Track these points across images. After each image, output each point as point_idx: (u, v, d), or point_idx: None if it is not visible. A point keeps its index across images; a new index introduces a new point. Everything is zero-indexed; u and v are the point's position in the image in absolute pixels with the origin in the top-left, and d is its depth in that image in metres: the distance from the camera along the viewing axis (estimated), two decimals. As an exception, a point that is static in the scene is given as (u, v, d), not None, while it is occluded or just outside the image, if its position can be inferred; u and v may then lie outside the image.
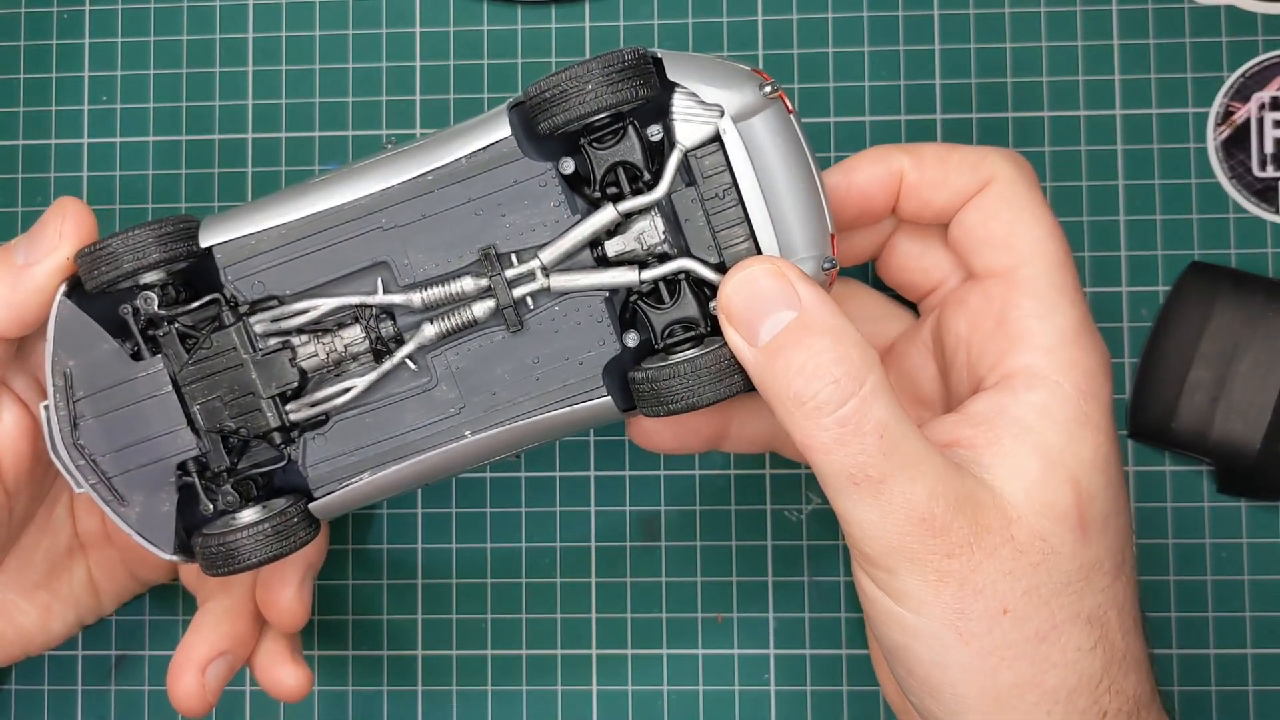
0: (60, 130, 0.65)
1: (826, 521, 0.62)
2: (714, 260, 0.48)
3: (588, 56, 0.62)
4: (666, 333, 0.49)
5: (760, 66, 0.62)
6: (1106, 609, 0.47)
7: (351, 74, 0.64)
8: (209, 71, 0.64)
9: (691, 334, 0.49)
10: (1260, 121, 0.62)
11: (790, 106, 0.48)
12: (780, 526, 0.62)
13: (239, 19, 0.64)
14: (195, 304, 0.49)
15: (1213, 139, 0.62)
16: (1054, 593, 0.46)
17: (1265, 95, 0.62)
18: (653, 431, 0.55)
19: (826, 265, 0.48)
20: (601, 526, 0.63)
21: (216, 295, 0.49)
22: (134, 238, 0.48)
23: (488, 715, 0.63)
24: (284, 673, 0.56)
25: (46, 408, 0.50)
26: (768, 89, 0.47)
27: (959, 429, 0.48)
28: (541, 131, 0.47)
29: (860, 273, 0.61)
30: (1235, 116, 0.62)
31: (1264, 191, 0.61)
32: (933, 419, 0.50)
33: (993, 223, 0.51)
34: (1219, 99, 0.62)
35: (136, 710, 0.64)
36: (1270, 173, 0.61)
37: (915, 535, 0.45)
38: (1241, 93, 0.62)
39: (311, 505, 0.50)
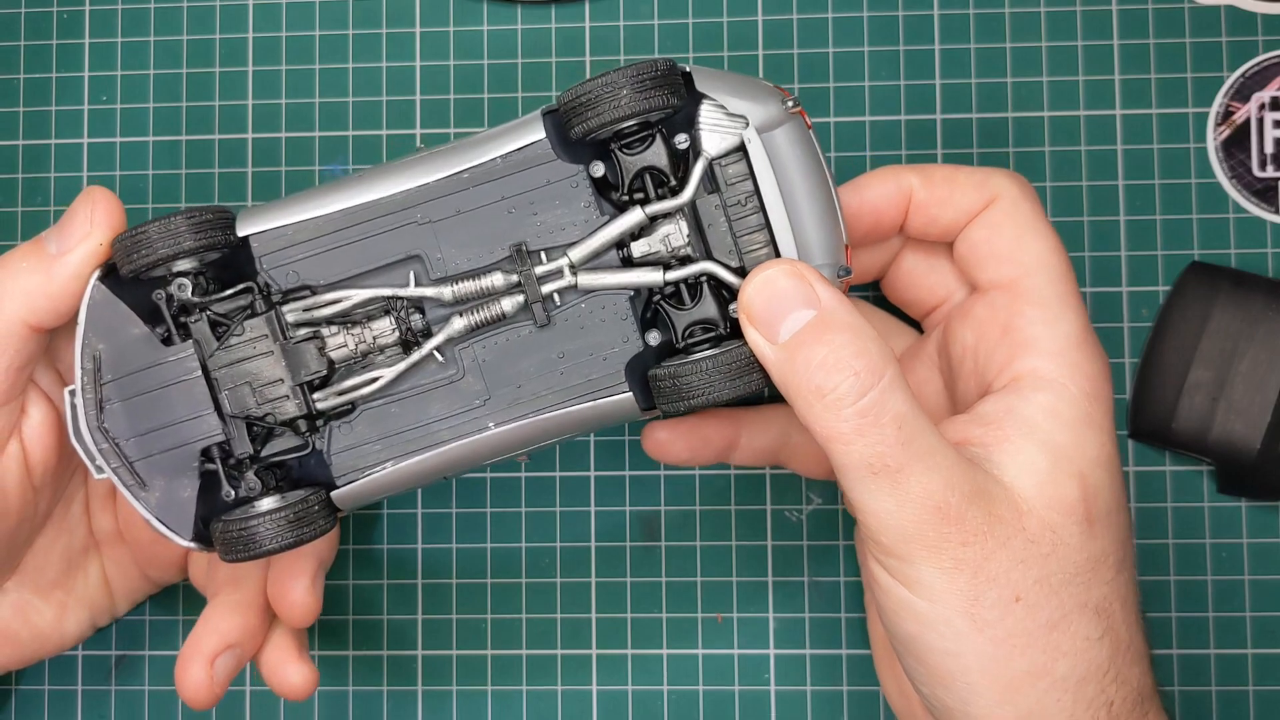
0: (60, 130, 0.65)
1: (826, 521, 0.64)
2: (735, 264, 0.50)
3: (588, 55, 0.63)
4: (687, 333, 0.51)
5: (760, 66, 0.63)
6: (1112, 601, 0.49)
7: (351, 74, 0.65)
8: (209, 71, 0.65)
9: (711, 335, 0.51)
10: (1260, 121, 0.63)
11: (809, 123, 0.50)
12: (780, 526, 0.64)
13: (239, 19, 0.65)
14: (228, 292, 0.51)
15: (1213, 139, 0.63)
16: (1063, 582, 0.48)
17: (1265, 95, 0.63)
18: (666, 441, 0.57)
19: (841, 273, 0.50)
20: (601, 526, 0.64)
21: (250, 284, 0.51)
22: (171, 224, 0.49)
23: (488, 715, 0.64)
24: (291, 670, 0.57)
25: (71, 392, 0.51)
26: (789, 104, 0.50)
27: (969, 428, 0.51)
28: (574, 136, 0.49)
29: (868, 295, 0.62)
30: (1235, 116, 0.63)
31: (1264, 191, 0.63)
32: (943, 421, 0.52)
33: (998, 237, 0.53)
34: (1219, 99, 0.63)
35: (136, 710, 0.64)
36: (1270, 173, 0.63)
37: (931, 523, 0.47)
38: (1241, 93, 0.63)
39: (333, 494, 0.51)
